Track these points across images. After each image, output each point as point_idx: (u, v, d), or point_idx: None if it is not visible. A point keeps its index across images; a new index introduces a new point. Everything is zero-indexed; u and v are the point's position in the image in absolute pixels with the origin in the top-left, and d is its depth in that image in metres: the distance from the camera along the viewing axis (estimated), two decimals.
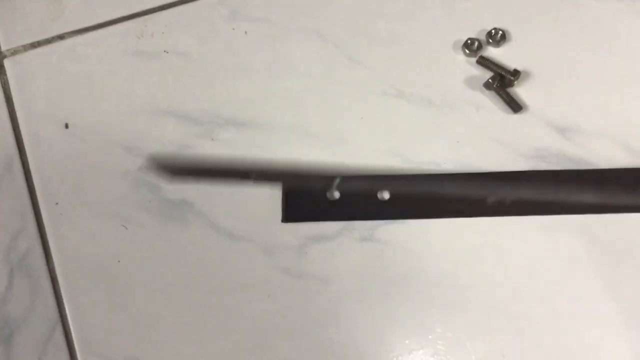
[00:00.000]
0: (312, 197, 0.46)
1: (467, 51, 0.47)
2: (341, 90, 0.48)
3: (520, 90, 0.47)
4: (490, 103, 0.47)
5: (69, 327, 0.44)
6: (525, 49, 0.47)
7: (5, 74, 0.49)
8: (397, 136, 0.47)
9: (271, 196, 0.46)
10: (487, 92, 0.47)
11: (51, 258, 0.45)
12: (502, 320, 0.43)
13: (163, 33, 0.50)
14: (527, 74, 0.47)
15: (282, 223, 0.45)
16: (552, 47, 0.47)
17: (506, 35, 0.48)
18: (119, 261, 0.45)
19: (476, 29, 0.48)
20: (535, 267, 0.43)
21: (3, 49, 0.50)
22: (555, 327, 0.42)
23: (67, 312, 0.45)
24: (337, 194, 0.46)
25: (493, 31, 0.48)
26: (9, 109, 0.48)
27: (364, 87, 0.48)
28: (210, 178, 0.46)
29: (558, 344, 0.42)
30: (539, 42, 0.47)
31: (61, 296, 0.45)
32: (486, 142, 0.46)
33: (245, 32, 0.50)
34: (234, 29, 0.50)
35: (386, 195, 0.46)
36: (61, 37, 0.50)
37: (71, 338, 0.44)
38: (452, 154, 0.46)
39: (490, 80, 0.46)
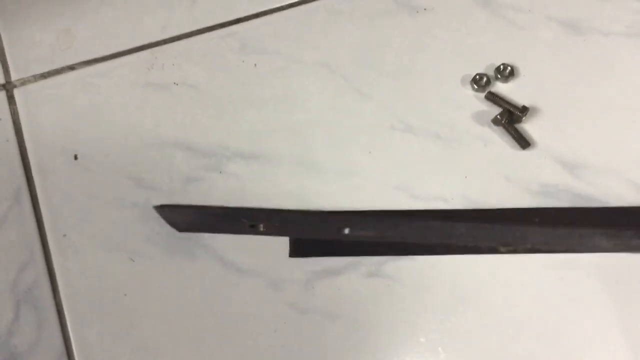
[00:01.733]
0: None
1: (476, 86, 0.48)
2: (349, 124, 0.48)
3: (528, 126, 0.47)
4: (498, 138, 0.47)
5: (74, 359, 0.44)
6: (533, 84, 0.47)
7: (15, 104, 0.49)
8: (405, 171, 0.47)
9: None
10: (495, 127, 0.47)
11: (58, 291, 0.45)
12: (509, 358, 0.42)
13: (173, 65, 0.50)
14: (536, 110, 0.47)
15: (289, 257, 0.45)
16: (560, 83, 0.47)
17: (514, 70, 0.48)
18: (125, 294, 0.45)
19: (485, 64, 0.48)
20: (543, 305, 0.43)
21: (13, 79, 0.50)
22: None
23: (73, 345, 0.44)
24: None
25: (502, 66, 0.48)
26: (18, 140, 0.48)
27: (372, 121, 0.48)
28: (218, 230, 0.46)
29: None
30: (548, 77, 0.48)
31: (67, 329, 0.45)
32: (494, 177, 0.46)
33: (255, 65, 0.50)
34: (243, 61, 0.50)
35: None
36: (71, 67, 0.50)
37: None
38: (460, 190, 0.46)
39: (498, 116, 0.46)
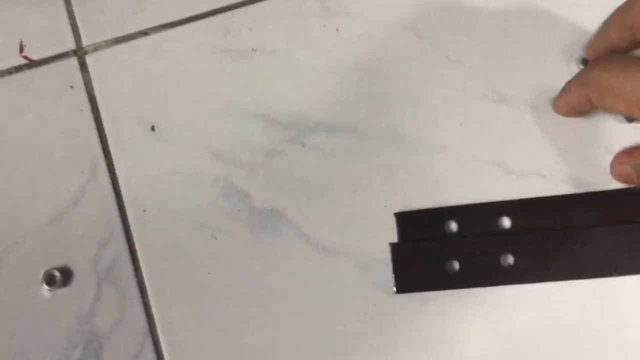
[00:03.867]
0: (426, 257, 0.43)
1: (582, 66, 0.44)
2: (439, 93, 0.45)
3: None
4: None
5: (158, 340, 0.43)
6: None
7: (88, 72, 0.47)
8: (499, 144, 0.44)
9: (361, 205, 0.44)
10: None
11: (140, 268, 0.44)
12: None
13: (251, 29, 0.47)
14: None
15: (377, 236, 0.43)
16: None
17: None
18: (209, 273, 0.43)
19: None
20: None
21: (84, 44, 0.48)
22: None
23: (157, 324, 0.43)
24: (454, 226, 0.43)
25: None
26: (92, 109, 0.46)
27: (463, 90, 0.45)
28: None
29: None
30: None
31: (150, 308, 0.43)
32: (597, 152, 0.43)
33: (337, 29, 0.47)
34: (325, 25, 0.47)
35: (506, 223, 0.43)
36: (145, 32, 0.48)
37: (161, 351, 0.43)
38: (559, 165, 0.43)
39: None
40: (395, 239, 0.43)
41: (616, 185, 0.42)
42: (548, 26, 0.45)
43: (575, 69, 0.44)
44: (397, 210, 0.43)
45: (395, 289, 0.42)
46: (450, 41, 0.46)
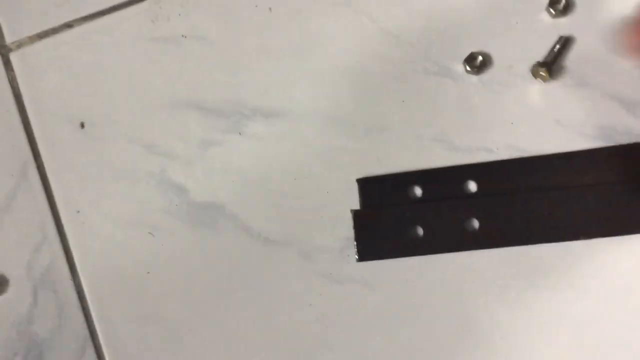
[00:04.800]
0: (389, 224, 0.41)
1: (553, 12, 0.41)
2: (378, 70, 0.43)
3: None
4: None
5: (99, 343, 0.42)
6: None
7: (13, 70, 0.45)
8: (442, 120, 0.42)
9: (303, 192, 0.42)
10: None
11: (76, 271, 0.43)
12: None
13: (179, 15, 0.45)
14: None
15: (320, 224, 0.42)
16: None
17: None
18: (148, 272, 0.42)
19: None
20: None
21: (8, 41, 0.46)
22: None
23: (97, 327, 0.42)
24: (418, 191, 0.42)
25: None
26: (19, 109, 0.45)
27: (403, 65, 0.43)
28: None
29: None
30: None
31: (90, 311, 0.42)
32: (544, 122, 0.41)
33: (270, 9, 0.45)
34: (256, 5, 0.45)
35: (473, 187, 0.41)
36: (69, 25, 0.45)
37: (103, 354, 0.42)
38: (506, 138, 0.41)
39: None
40: (346, 219, 0.42)
41: None
42: None
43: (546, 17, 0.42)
44: (338, 196, 0.42)
45: (357, 257, 0.41)
46: (387, 15, 0.44)
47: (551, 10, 0.41)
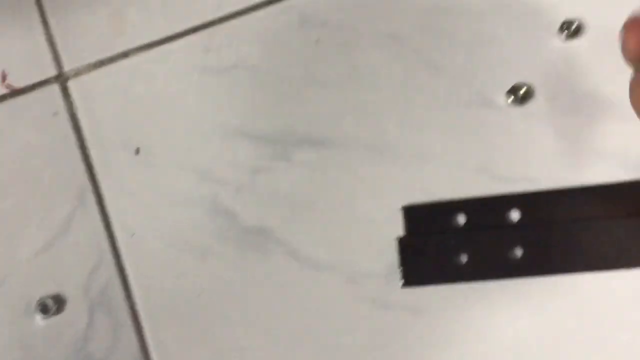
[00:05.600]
0: (433, 250, 0.43)
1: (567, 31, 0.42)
2: (423, 101, 0.45)
3: None
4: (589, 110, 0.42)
5: None
6: None
7: (70, 97, 0.47)
8: (485, 150, 0.43)
9: (349, 219, 0.43)
10: None
11: (131, 292, 0.44)
12: None
13: (230, 46, 0.47)
14: None
15: (365, 251, 0.43)
16: None
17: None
18: (199, 295, 0.44)
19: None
20: None
21: (66, 69, 0.48)
22: None
23: (150, 347, 0.44)
24: (462, 219, 0.43)
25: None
26: (76, 135, 0.46)
27: (447, 97, 0.44)
28: None
29: None
30: None
31: (143, 331, 0.44)
32: (585, 153, 0.42)
33: (317, 41, 0.46)
34: (304, 37, 0.46)
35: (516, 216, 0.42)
36: (125, 54, 0.47)
37: None
38: (548, 167, 0.42)
39: None
40: (390, 245, 0.43)
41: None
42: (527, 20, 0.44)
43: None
44: (383, 223, 0.43)
45: (402, 283, 0.42)
46: (432, 47, 0.45)
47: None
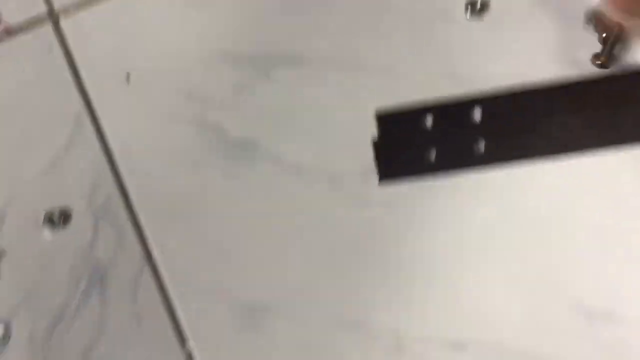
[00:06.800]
0: (406, 149, 0.47)
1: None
2: (390, 20, 0.48)
3: None
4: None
5: (155, 262, 0.47)
6: None
7: (63, 32, 0.51)
8: (448, 58, 0.47)
9: (328, 125, 0.48)
10: None
11: (131, 202, 0.48)
12: None
13: None
14: None
15: (347, 152, 0.47)
16: None
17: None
18: (194, 203, 0.48)
19: None
20: None
21: (56, 7, 0.51)
22: None
23: (152, 248, 0.47)
24: (430, 121, 0.47)
25: None
26: (71, 69, 0.50)
27: (412, 14, 0.48)
28: None
29: None
30: None
31: (145, 235, 0.48)
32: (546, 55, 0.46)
33: None
34: None
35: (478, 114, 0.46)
36: None
37: (159, 271, 0.47)
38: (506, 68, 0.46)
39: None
40: (366, 148, 0.47)
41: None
42: None
43: None
44: (359, 129, 0.47)
45: (378, 179, 0.46)
46: None
47: None
